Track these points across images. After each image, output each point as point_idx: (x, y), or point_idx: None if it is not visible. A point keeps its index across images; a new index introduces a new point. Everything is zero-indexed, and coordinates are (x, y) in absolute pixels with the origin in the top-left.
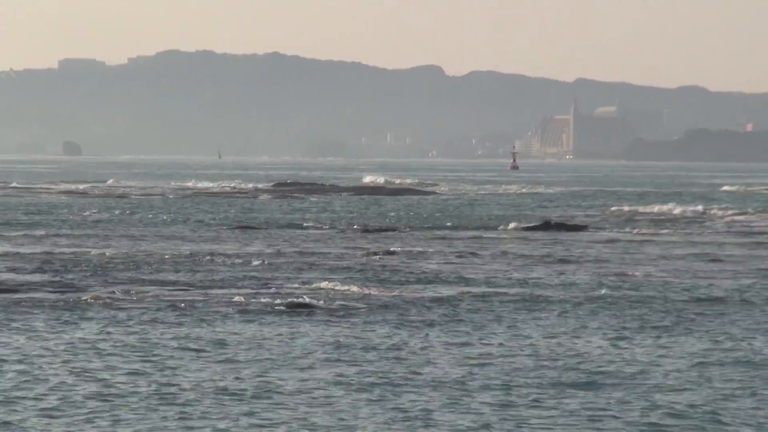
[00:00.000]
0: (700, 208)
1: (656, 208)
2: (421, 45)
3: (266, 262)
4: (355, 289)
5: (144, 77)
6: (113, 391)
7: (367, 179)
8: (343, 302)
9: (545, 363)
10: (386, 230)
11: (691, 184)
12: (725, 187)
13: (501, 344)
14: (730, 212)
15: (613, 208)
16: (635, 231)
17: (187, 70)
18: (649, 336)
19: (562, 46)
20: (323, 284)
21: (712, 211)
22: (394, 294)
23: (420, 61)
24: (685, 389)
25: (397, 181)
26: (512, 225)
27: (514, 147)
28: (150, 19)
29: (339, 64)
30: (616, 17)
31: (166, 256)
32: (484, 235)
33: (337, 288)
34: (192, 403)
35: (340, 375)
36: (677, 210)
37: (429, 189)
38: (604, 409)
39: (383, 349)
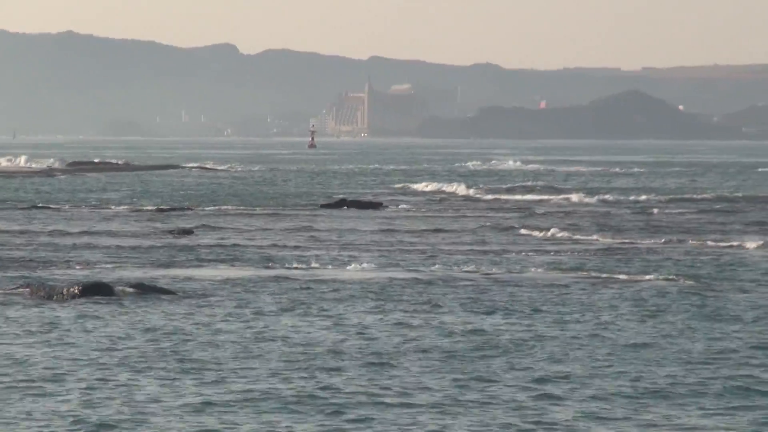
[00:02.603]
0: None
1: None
2: (215, 23)
3: (60, 243)
4: (154, 270)
5: None
6: None
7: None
8: (141, 283)
9: (334, 340)
10: (181, 209)
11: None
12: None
13: (293, 325)
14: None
15: (403, 185)
16: (427, 208)
17: None
18: (428, 312)
19: (356, 24)
20: (118, 266)
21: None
22: (189, 275)
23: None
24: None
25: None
26: (308, 203)
27: (312, 125)
28: None
29: (133, 42)
30: None
31: None
32: (281, 213)
33: (134, 269)
34: None
35: (132, 358)
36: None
37: (224, 168)
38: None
39: (184, 332)
